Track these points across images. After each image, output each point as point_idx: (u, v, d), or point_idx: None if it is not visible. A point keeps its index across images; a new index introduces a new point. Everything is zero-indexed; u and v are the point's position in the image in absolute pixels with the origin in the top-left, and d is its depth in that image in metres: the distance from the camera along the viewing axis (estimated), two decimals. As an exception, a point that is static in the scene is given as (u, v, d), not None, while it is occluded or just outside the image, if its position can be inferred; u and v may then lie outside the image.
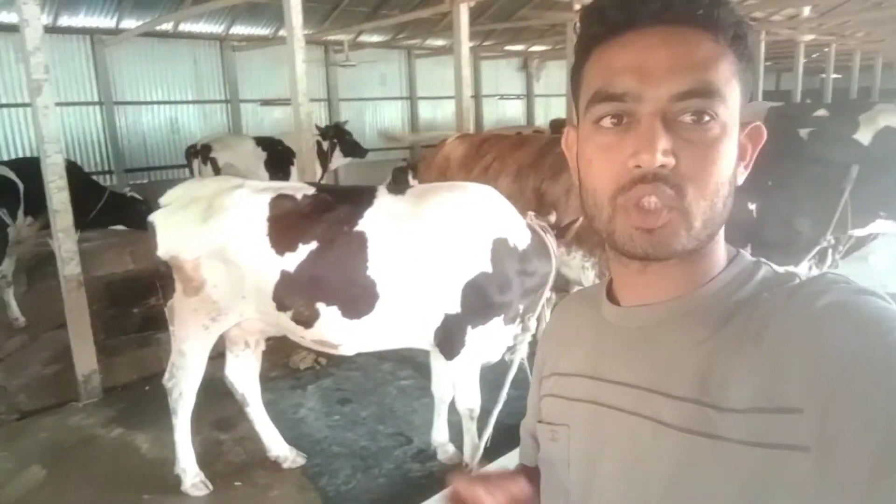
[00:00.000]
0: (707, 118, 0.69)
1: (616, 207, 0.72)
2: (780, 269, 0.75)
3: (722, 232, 0.76)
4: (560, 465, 0.84)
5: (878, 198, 3.77)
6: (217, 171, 7.78)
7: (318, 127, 8.47)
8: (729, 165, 0.71)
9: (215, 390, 3.48)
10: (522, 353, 3.14)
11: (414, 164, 6.05)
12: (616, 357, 0.79)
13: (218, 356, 3.30)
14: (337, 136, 8.77)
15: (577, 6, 8.16)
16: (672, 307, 0.76)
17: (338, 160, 8.87)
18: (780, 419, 0.62)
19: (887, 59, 19.92)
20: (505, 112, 17.23)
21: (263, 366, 3.59)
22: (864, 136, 5.13)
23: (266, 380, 4.37)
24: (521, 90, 17.69)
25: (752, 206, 3.57)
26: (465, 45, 6.89)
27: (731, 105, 0.70)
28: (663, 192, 0.69)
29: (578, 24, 0.77)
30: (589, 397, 0.81)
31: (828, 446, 0.58)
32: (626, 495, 0.74)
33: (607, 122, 0.72)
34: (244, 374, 3.35)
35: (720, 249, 0.77)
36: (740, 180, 0.75)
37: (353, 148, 9.00)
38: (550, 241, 3.01)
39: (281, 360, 4.74)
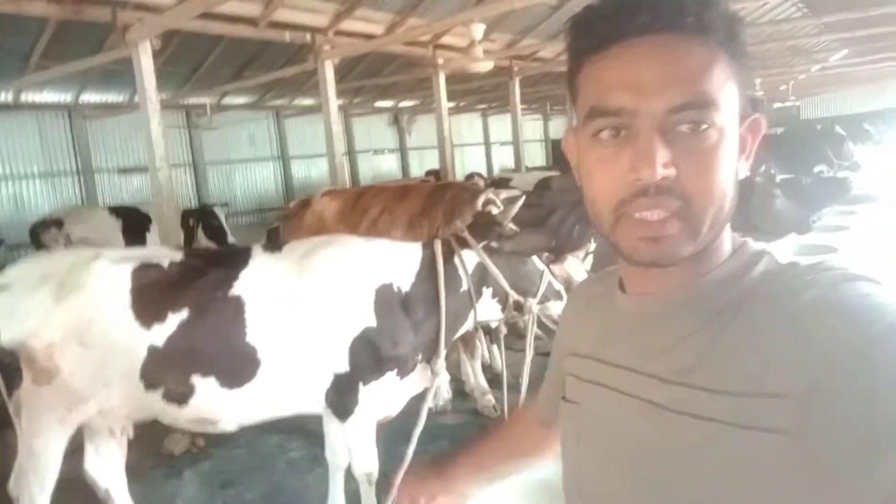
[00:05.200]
0: (704, 126, 0.69)
1: (618, 218, 0.74)
2: (783, 261, 0.76)
3: (728, 225, 0.77)
4: (572, 440, 0.90)
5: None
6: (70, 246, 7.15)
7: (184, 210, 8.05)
8: (730, 168, 0.73)
9: (73, 488, 3.05)
10: (430, 402, 3.01)
11: None
12: (620, 342, 0.83)
13: (78, 449, 2.90)
14: (202, 220, 8.27)
15: (441, 60, 8.43)
16: (672, 298, 0.78)
17: (202, 240, 8.30)
18: (765, 403, 0.64)
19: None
20: (380, 167, 17.37)
21: (133, 454, 3.20)
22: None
23: (136, 470, 3.90)
24: (395, 144, 17.96)
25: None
26: (333, 101, 6.89)
27: (726, 109, 0.71)
28: (670, 203, 0.70)
29: (568, 35, 0.78)
30: (595, 379, 0.86)
31: (812, 431, 0.60)
32: (622, 470, 0.79)
33: (605, 135, 0.73)
34: (107, 466, 2.97)
35: (724, 243, 0.78)
36: (743, 173, 0.75)
37: (217, 234, 8.34)
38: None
39: (153, 448, 4.28)
